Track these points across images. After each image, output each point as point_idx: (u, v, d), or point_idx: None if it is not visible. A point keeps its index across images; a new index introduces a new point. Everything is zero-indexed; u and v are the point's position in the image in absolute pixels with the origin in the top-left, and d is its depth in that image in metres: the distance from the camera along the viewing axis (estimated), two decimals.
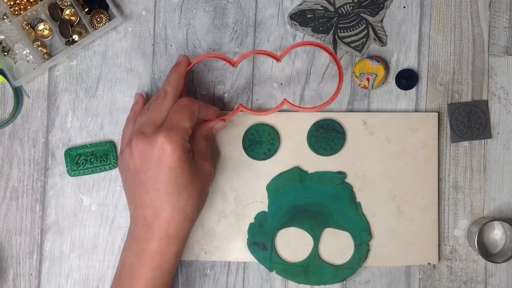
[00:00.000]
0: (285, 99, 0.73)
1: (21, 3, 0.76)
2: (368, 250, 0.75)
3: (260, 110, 0.77)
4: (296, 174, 0.76)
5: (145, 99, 0.76)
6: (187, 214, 0.67)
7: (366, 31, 0.77)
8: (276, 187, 0.76)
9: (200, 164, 0.69)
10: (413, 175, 0.76)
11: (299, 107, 0.75)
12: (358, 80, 0.76)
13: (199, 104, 0.70)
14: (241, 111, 0.74)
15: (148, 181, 0.65)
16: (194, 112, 0.69)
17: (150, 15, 0.78)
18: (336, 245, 0.76)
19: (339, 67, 0.73)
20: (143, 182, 0.66)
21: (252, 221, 0.76)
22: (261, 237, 0.76)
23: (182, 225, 0.67)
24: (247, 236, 0.76)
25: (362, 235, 0.75)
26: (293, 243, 0.76)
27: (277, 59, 0.73)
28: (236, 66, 0.74)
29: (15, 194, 0.77)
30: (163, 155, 0.65)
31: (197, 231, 0.76)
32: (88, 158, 0.77)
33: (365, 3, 0.77)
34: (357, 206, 0.75)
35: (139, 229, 0.67)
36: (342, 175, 0.76)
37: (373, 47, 0.77)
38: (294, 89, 0.77)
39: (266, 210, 0.76)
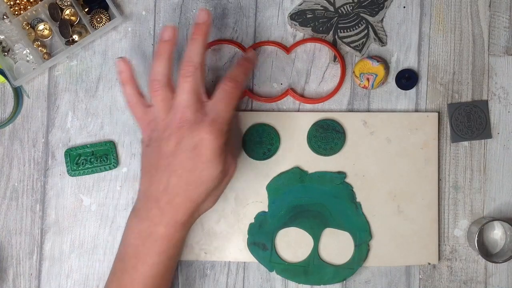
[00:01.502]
0: (289, 88, 0.76)
1: (21, 3, 0.76)
2: (368, 250, 0.75)
3: (266, 98, 0.77)
4: (296, 174, 0.76)
5: (131, 65, 0.71)
6: (197, 205, 0.67)
7: (366, 31, 0.77)
8: (276, 187, 0.76)
9: (229, 163, 0.68)
10: (413, 175, 0.76)
11: (302, 98, 0.76)
12: (358, 80, 0.76)
13: (243, 81, 0.69)
14: (247, 96, 0.76)
15: (175, 166, 0.65)
16: (239, 97, 0.69)
17: (150, 15, 0.78)
18: (336, 245, 0.76)
19: (341, 60, 0.73)
20: (171, 165, 0.66)
21: (252, 221, 0.76)
22: (261, 237, 0.76)
23: (190, 214, 0.67)
24: (247, 236, 0.76)
25: (362, 235, 0.75)
26: (293, 243, 0.76)
27: (287, 51, 0.76)
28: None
29: (15, 194, 0.77)
30: (200, 146, 0.65)
31: (197, 231, 0.76)
32: (88, 158, 0.77)
33: (365, 3, 0.77)
34: (357, 206, 0.75)
35: (147, 211, 0.67)
36: (342, 175, 0.76)
37: (373, 47, 0.77)
38: (294, 89, 0.77)
39: (266, 210, 0.76)
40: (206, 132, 0.65)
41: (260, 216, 0.76)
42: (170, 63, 0.68)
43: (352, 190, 0.76)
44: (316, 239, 0.76)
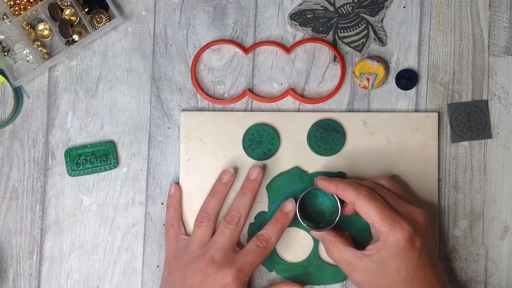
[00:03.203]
0: (289, 88, 0.76)
1: (21, 3, 0.76)
2: None
3: (266, 98, 0.77)
4: (296, 174, 0.76)
5: (181, 191, 0.76)
6: None
7: (366, 31, 0.77)
8: (276, 187, 0.76)
9: None
10: (413, 175, 0.76)
11: (302, 98, 0.76)
12: (358, 80, 0.76)
13: (276, 241, 0.72)
14: (247, 96, 0.76)
15: None
16: (268, 253, 0.72)
17: (150, 15, 0.78)
18: None
19: (341, 60, 0.73)
20: None
21: (252, 221, 0.76)
22: None
23: None
24: (247, 236, 0.76)
25: (362, 236, 0.75)
26: (293, 243, 0.76)
27: (287, 51, 0.76)
28: (247, 54, 0.77)
29: (15, 194, 0.77)
30: None
31: None
32: (88, 158, 0.77)
33: (365, 3, 0.77)
34: None
35: None
36: (342, 174, 0.76)
37: (373, 47, 0.77)
38: (294, 89, 0.77)
39: (266, 210, 0.76)
40: (232, 279, 0.68)
41: (260, 216, 0.76)
42: (222, 203, 0.74)
43: None
44: (316, 239, 0.76)
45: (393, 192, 0.70)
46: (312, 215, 0.75)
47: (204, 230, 0.72)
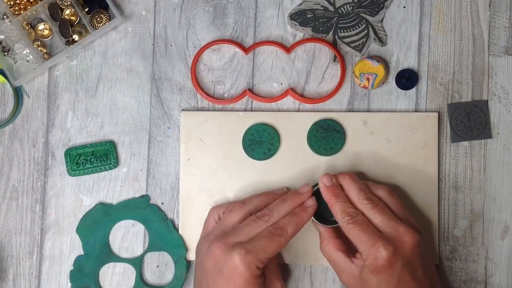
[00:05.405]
0: (289, 88, 0.76)
1: (21, 3, 0.76)
2: (187, 264, 0.76)
3: (266, 98, 0.77)
4: (100, 211, 0.76)
5: (248, 209, 0.73)
6: None
7: (366, 31, 0.77)
8: (85, 228, 0.76)
9: (271, 284, 0.70)
10: (413, 175, 0.76)
11: (302, 98, 0.76)
12: (358, 80, 0.76)
13: (293, 233, 0.70)
14: (247, 96, 0.77)
15: (213, 287, 0.68)
16: (283, 243, 0.69)
17: (150, 15, 0.78)
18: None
19: (341, 60, 0.73)
20: (209, 285, 0.68)
21: (72, 268, 0.76)
22: (84, 281, 0.76)
23: None
24: (70, 284, 0.76)
25: (179, 251, 0.76)
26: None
27: (287, 51, 0.76)
28: (247, 54, 0.77)
29: (15, 194, 0.77)
30: (233, 273, 0.66)
31: (196, 231, 0.76)
32: (88, 158, 0.77)
33: (365, 3, 0.77)
34: (168, 224, 0.76)
35: None
36: (145, 198, 0.76)
37: (373, 47, 0.77)
38: (294, 89, 0.77)
39: (83, 252, 0.76)
40: (239, 261, 0.66)
41: (78, 261, 0.76)
42: (263, 203, 0.71)
43: (160, 210, 0.76)
44: (137, 267, 0.76)
45: (389, 205, 0.70)
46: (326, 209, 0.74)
47: (234, 215, 0.70)
